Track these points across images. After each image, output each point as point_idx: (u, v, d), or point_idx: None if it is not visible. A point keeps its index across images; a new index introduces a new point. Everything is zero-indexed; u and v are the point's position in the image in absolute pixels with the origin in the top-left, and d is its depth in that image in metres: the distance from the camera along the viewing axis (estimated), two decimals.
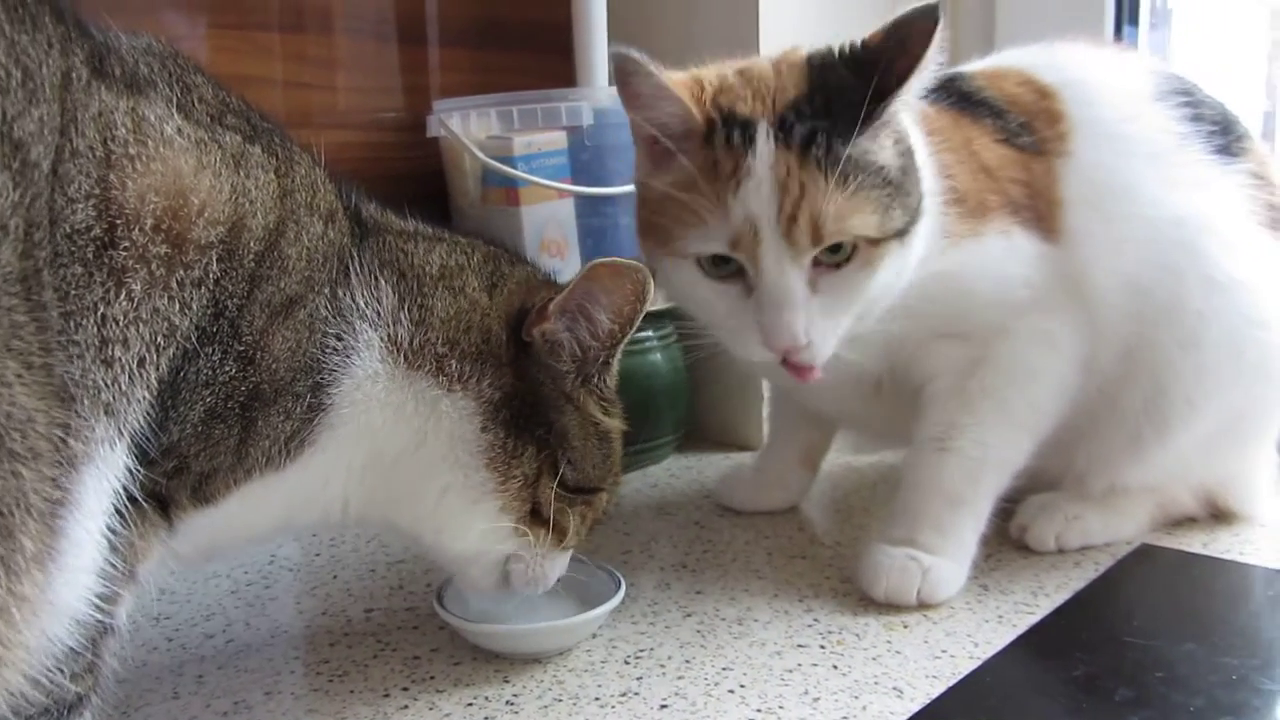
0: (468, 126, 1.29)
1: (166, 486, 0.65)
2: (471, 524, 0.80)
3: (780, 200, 0.82)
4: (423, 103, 1.44)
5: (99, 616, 0.60)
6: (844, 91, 0.84)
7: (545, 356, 0.80)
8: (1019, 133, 0.99)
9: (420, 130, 1.37)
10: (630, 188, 1.29)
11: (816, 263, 0.84)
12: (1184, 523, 1.09)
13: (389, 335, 0.74)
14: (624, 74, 0.86)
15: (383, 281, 0.75)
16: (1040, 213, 0.96)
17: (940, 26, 0.82)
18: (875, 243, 0.85)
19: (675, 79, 0.87)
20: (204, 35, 1.27)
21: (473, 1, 1.50)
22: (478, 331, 0.78)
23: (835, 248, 0.84)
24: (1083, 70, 1.03)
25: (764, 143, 0.83)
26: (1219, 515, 1.09)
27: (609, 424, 0.84)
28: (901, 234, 0.86)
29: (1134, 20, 1.50)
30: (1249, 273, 0.97)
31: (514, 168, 1.24)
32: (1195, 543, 1.05)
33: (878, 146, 0.85)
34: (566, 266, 1.26)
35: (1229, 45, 1.83)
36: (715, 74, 0.90)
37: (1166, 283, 0.96)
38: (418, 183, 1.37)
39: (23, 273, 0.54)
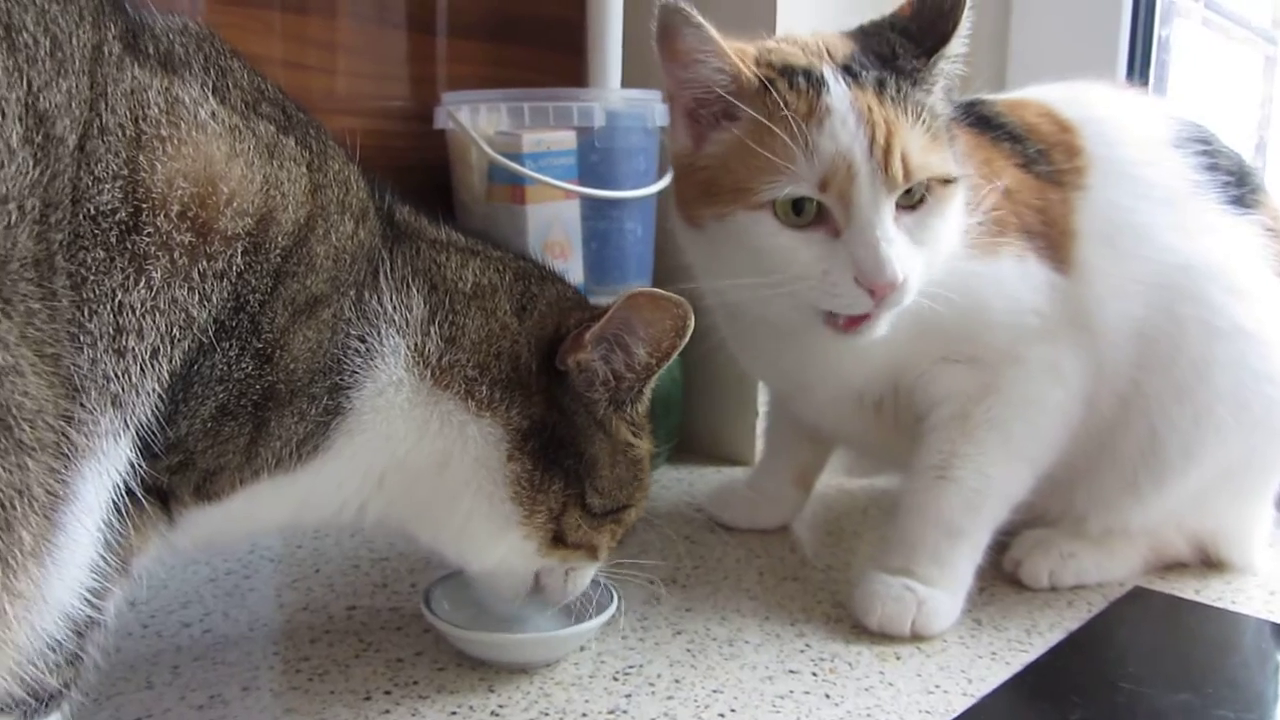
0: (477, 120, 1.27)
1: (169, 481, 0.62)
2: (495, 549, 0.79)
3: (871, 135, 0.82)
4: (429, 93, 1.42)
5: (89, 612, 0.58)
6: (896, 48, 0.87)
7: (580, 385, 0.78)
8: (1036, 160, 0.98)
9: (426, 121, 1.35)
10: (638, 193, 1.29)
11: (900, 206, 0.84)
12: (1176, 567, 1.08)
13: (416, 345, 0.72)
14: (670, 28, 0.85)
15: (414, 290, 0.73)
16: (1054, 242, 0.95)
17: None
18: (946, 183, 0.86)
19: (728, 44, 0.87)
20: (204, 10, 1.25)
21: None
22: (508, 358, 0.76)
23: (908, 190, 0.84)
24: (1104, 109, 1.03)
25: (836, 84, 0.84)
26: (1211, 563, 1.08)
27: (640, 447, 0.82)
28: (959, 179, 0.88)
29: (1146, 65, 1.50)
30: (1258, 324, 0.96)
31: (522, 165, 1.23)
32: (1188, 588, 1.04)
33: (934, 98, 0.87)
34: (570, 269, 1.25)
35: (1225, 85, 1.85)
36: (750, 44, 0.90)
37: (1168, 329, 0.95)
38: (422, 174, 1.35)
39: (36, 257, 0.52)
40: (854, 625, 0.94)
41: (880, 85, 0.85)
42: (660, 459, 1.38)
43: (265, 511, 0.73)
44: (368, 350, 0.70)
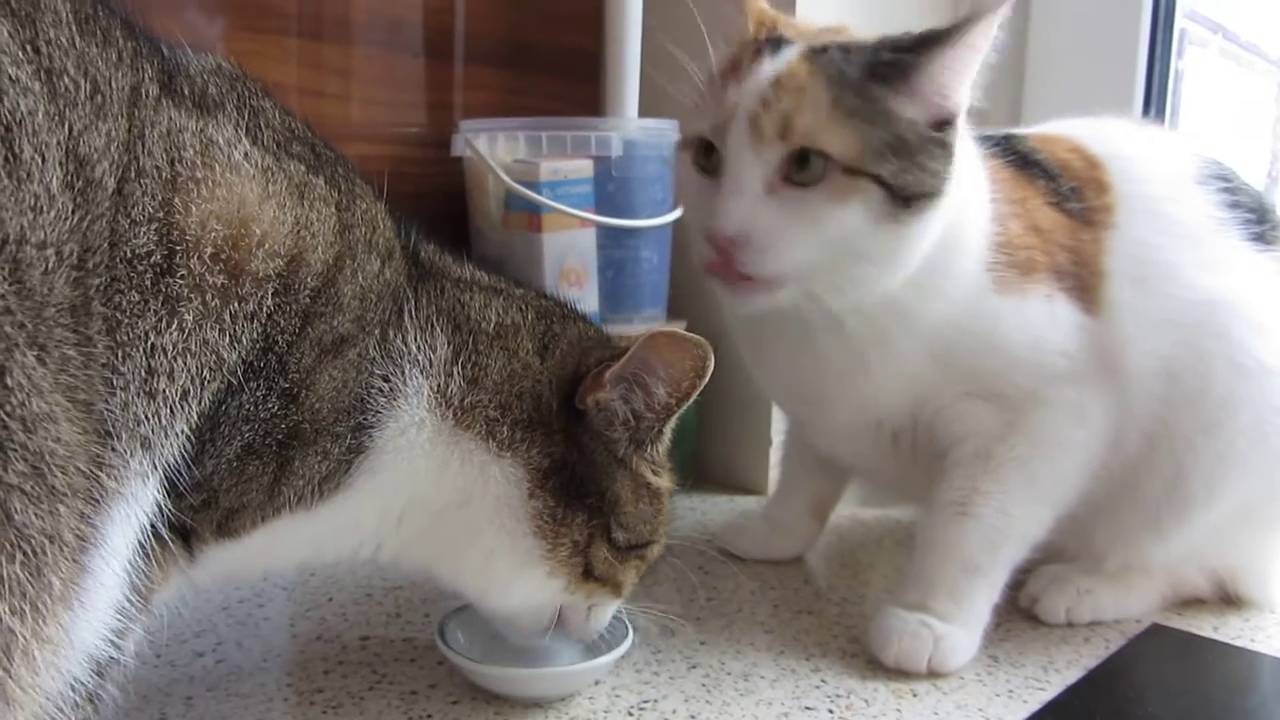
0: (494, 148, 1.27)
1: (192, 519, 0.62)
2: (518, 587, 0.79)
3: (768, 92, 0.83)
4: (446, 120, 1.43)
5: (111, 652, 0.58)
6: (895, 49, 0.85)
7: (599, 424, 0.78)
8: (1069, 197, 0.98)
9: (442, 148, 1.36)
10: (653, 222, 1.29)
11: (786, 178, 0.83)
12: (1194, 603, 1.07)
13: (439, 386, 0.72)
14: None
15: (438, 330, 0.73)
16: (1084, 283, 0.95)
17: (995, 25, 0.83)
18: (849, 173, 0.82)
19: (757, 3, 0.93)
20: (223, 37, 1.25)
21: (503, 21, 1.48)
22: (530, 398, 0.76)
23: (805, 165, 0.82)
24: (1129, 145, 1.03)
25: (787, 54, 0.85)
26: (1230, 600, 1.07)
27: (660, 484, 0.82)
28: (890, 189, 0.83)
29: (1163, 96, 1.50)
30: (1278, 359, 0.96)
31: (539, 193, 1.23)
32: (1206, 625, 1.03)
33: (902, 105, 0.83)
34: (584, 296, 1.25)
35: (1241, 116, 1.85)
36: (796, 19, 0.93)
37: (1195, 366, 0.95)
38: (438, 201, 1.36)
39: (73, 303, 0.52)
40: (870, 661, 0.93)
41: (821, 60, 0.84)
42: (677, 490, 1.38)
43: (284, 549, 0.73)
44: (391, 390, 0.70)
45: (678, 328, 1.34)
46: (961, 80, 0.84)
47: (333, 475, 0.67)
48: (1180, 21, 1.51)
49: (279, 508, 0.66)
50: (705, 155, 0.88)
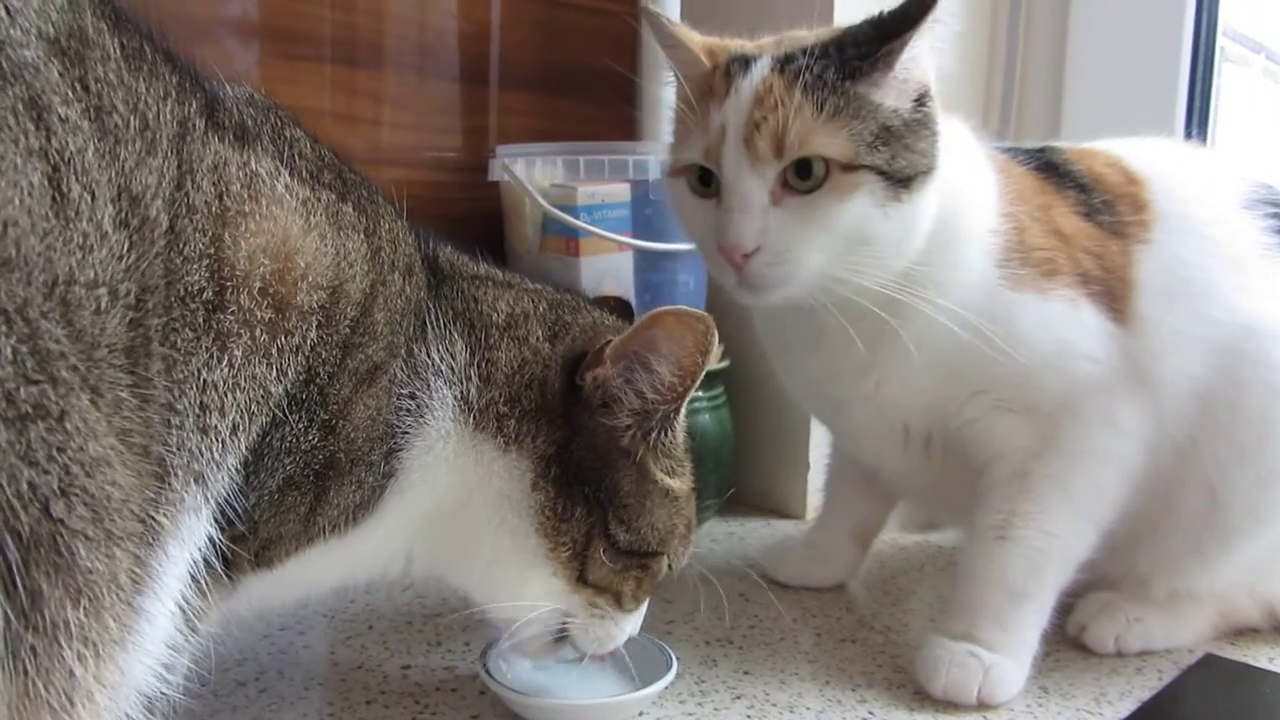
0: (531, 173, 1.27)
1: (231, 551, 0.62)
2: (524, 587, 0.77)
3: (752, 111, 0.84)
4: (482, 145, 1.43)
5: (161, 687, 0.57)
6: (858, 43, 0.86)
7: (599, 407, 0.76)
8: (1100, 210, 0.97)
9: (479, 172, 1.36)
10: (691, 245, 1.29)
11: (787, 186, 0.84)
12: (1248, 632, 1.05)
13: (462, 394, 0.72)
14: (653, 29, 0.95)
15: (456, 335, 0.73)
16: (1111, 290, 0.94)
17: None
18: (849, 170, 0.84)
19: (694, 36, 0.94)
20: (257, 63, 1.26)
21: (538, 46, 1.49)
22: (537, 385, 0.75)
23: (806, 173, 0.84)
24: (1175, 166, 1.02)
25: (758, 69, 0.86)
26: None
27: (670, 484, 0.80)
28: (888, 176, 0.84)
29: (1205, 115, 1.49)
30: None
31: (576, 217, 1.23)
32: (1261, 656, 1.01)
33: (881, 94, 0.85)
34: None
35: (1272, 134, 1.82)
36: (748, 41, 0.93)
37: (1227, 389, 0.93)
38: (475, 225, 1.36)
39: (129, 344, 0.51)
40: (916, 692, 0.92)
41: (798, 72, 0.84)
42: (710, 512, 1.37)
43: (319, 575, 0.73)
44: (418, 408, 0.70)
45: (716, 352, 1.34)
46: (930, 54, 0.87)
47: (366, 502, 0.68)
48: (1221, 41, 1.49)
49: (314, 537, 0.66)
50: (701, 180, 0.89)
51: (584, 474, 0.76)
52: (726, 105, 0.86)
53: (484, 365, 0.73)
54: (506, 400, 0.74)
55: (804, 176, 0.84)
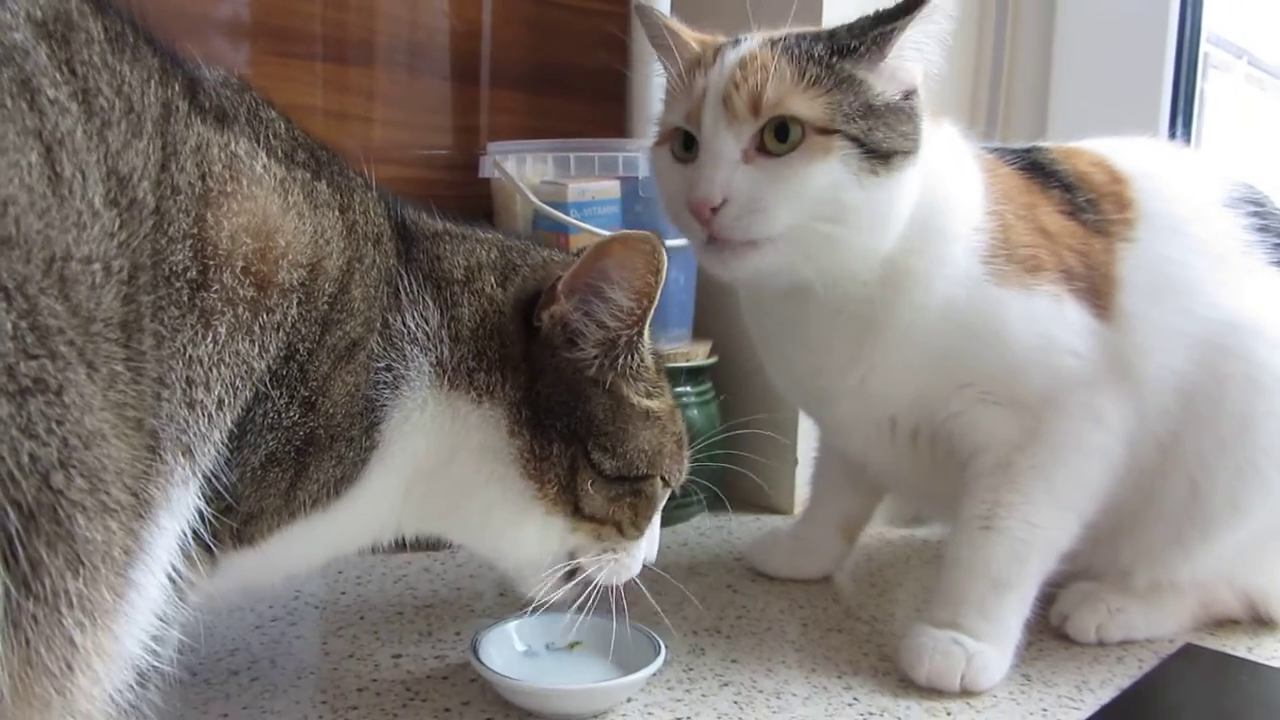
0: (522, 169, 1.28)
1: (216, 525, 0.63)
2: (523, 533, 0.78)
3: (735, 74, 0.87)
4: (473, 142, 1.44)
5: (151, 659, 0.58)
6: (853, 30, 0.89)
7: (560, 343, 0.76)
8: (1085, 208, 0.99)
9: (469, 169, 1.37)
10: (680, 242, 1.30)
11: (763, 149, 0.86)
12: (1227, 623, 1.07)
13: (436, 358, 0.73)
14: (644, 24, 0.98)
15: (427, 298, 0.74)
16: (1095, 286, 0.95)
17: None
18: (823, 133, 0.85)
19: (686, 29, 0.97)
20: (248, 60, 1.27)
21: (528, 44, 1.50)
22: (498, 334, 0.76)
23: (784, 137, 0.85)
24: (1159, 165, 1.03)
25: (747, 44, 0.90)
26: (1263, 620, 1.07)
27: (649, 405, 0.80)
28: (864, 147, 0.86)
29: (1188, 108, 1.51)
30: None
31: (566, 214, 1.24)
32: (1240, 646, 1.03)
33: (869, 76, 0.87)
34: None
35: (1261, 138, 1.85)
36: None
37: (1209, 383, 0.95)
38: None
39: (124, 319, 0.53)
40: (901, 679, 0.93)
41: (783, 45, 0.87)
42: (700, 506, 1.38)
43: (304, 550, 0.74)
44: (395, 380, 0.71)
45: (702, 347, 1.35)
46: (920, 52, 0.89)
47: (347, 476, 0.69)
48: (1205, 46, 1.51)
49: (295, 512, 0.67)
50: (682, 145, 0.92)
51: (555, 410, 0.76)
52: (711, 72, 0.89)
53: (452, 324, 0.74)
54: (475, 355, 0.75)
55: (782, 140, 0.86)
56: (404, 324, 0.71)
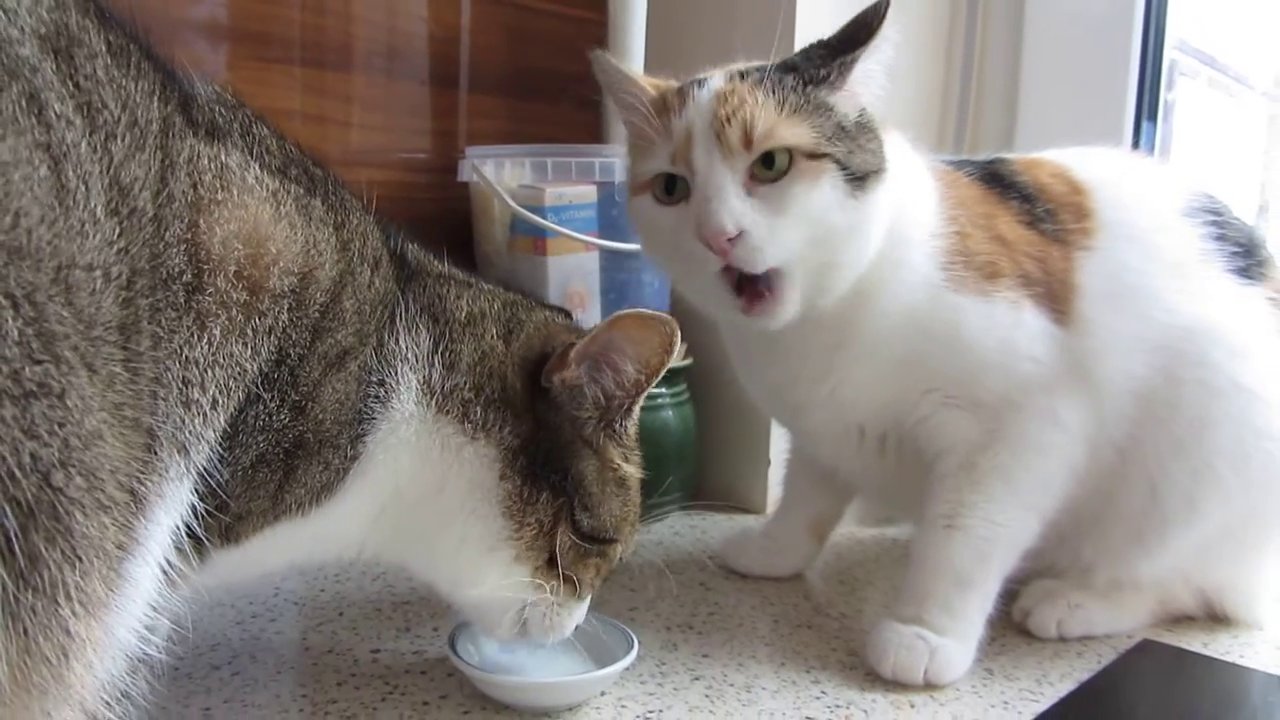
0: (500, 174, 1.30)
1: (205, 523, 0.65)
2: (486, 573, 0.80)
3: (717, 109, 0.88)
4: (451, 147, 1.46)
5: (143, 649, 0.60)
6: (811, 59, 0.92)
7: (565, 402, 0.80)
8: (1043, 218, 1.01)
9: (447, 174, 1.39)
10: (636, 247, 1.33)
11: (755, 178, 0.88)
12: (1184, 620, 1.10)
13: (425, 378, 0.76)
14: (597, 70, 0.98)
15: (421, 326, 0.76)
16: (1053, 292, 0.98)
17: (889, 12, 0.91)
18: (814, 158, 0.88)
19: (639, 74, 0.98)
20: (225, 64, 1.28)
21: (507, 50, 1.52)
22: (498, 379, 0.79)
23: (769, 165, 0.88)
24: (1118, 175, 1.06)
25: (716, 80, 0.92)
26: (1218, 617, 1.10)
27: (627, 471, 0.84)
28: (846, 170, 0.89)
29: (1153, 116, 1.54)
30: (1260, 382, 0.98)
31: (544, 218, 1.26)
32: (1196, 641, 1.06)
33: (834, 100, 0.91)
34: (587, 318, 1.27)
35: (1229, 145, 1.88)
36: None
37: (1166, 388, 0.97)
38: (443, 225, 1.39)
39: (123, 321, 0.55)
40: (868, 673, 0.96)
41: (754, 77, 0.90)
42: (674, 506, 1.41)
43: (280, 553, 0.76)
44: (385, 393, 0.73)
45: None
46: (878, 70, 0.93)
47: (331, 484, 0.71)
48: (1170, 53, 1.55)
49: (280, 514, 0.69)
50: (666, 188, 0.93)
51: (550, 463, 0.79)
52: (688, 111, 0.90)
53: (447, 354, 0.77)
54: (471, 388, 0.77)
55: (768, 167, 0.88)
56: (396, 344, 0.74)
